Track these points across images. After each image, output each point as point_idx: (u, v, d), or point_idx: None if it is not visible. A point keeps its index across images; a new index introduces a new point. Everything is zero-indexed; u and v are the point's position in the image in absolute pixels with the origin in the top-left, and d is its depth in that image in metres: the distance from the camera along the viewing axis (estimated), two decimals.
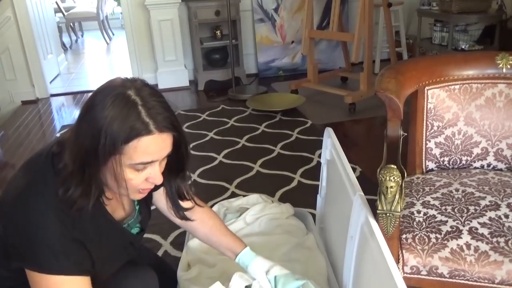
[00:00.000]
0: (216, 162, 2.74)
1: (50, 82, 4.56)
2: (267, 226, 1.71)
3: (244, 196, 1.96)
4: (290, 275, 1.26)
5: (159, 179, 0.98)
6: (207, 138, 3.10)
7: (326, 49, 4.54)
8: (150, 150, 0.91)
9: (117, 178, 0.92)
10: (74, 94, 4.42)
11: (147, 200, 1.22)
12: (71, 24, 7.11)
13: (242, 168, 2.64)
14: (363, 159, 2.63)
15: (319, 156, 2.70)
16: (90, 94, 0.95)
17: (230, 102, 3.85)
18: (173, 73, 4.30)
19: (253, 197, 1.86)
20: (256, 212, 1.76)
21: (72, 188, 0.91)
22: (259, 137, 3.09)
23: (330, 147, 1.65)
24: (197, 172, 2.60)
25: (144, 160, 0.92)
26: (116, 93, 0.90)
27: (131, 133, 0.88)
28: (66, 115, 3.93)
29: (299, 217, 1.81)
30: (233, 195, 2.30)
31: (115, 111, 0.88)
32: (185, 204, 1.20)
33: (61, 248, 0.93)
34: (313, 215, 1.86)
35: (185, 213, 1.21)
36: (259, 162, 2.69)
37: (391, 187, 1.07)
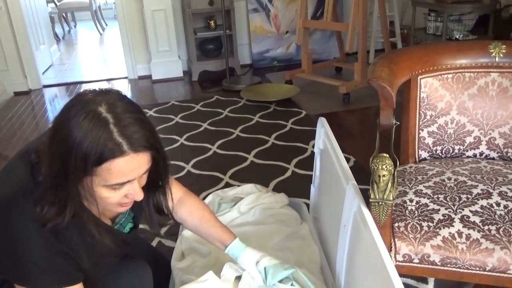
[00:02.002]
0: (210, 153, 2.73)
1: (43, 73, 4.52)
2: (261, 215, 1.72)
3: (238, 186, 1.96)
4: (279, 265, 1.26)
5: (139, 196, 0.93)
6: (201, 129, 3.10)
7: (321, 39, 4.53)
8: (125, 170, 0.86)
9: (94, 197, 0.89)
10: (67, 85, 4.39)
11: None
12: (64, 14, 7.04)
13: (236, 158, 2.63)
14: (357, 149, 2.64)
15: (313, 146, 2.69)
16: (68, 102, 0.88)
17: (224, 93, 3.84)
18: (166, 63, 4.28)
19: (248, 186, 1.86)
20: (250, 201, 1.76)
21: (46, 207, 0.88)
22: (253, 127, 3.08)
23: (324, 136, 1.65)
24: (191, 162, 2.60)
25: (119, 181, 0.87)
26: (87, 110, 0.83)
27: (102, 155, 0.82)
28: (59, 106, 3.90)
29: (293, 206, 1.82)
30: (227, 185, 2.30)
31: (85, 130, 0.81)
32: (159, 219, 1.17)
33: (47, 262, 0.92)
34: (307, 205, 1.86)
35: (165, 220, 1.19)
36: (253, 152, 2.69)
37: (384, 175, 1.07)
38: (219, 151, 2.75)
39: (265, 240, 1.59)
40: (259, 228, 1.66)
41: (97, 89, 0.90)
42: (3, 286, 1.09)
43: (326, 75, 3.83)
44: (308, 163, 2.48)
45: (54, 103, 3.97)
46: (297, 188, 2.21)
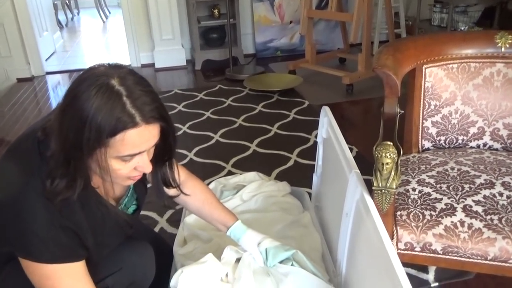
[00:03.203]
0: (212, 141, 2.73)
1: (46, 60, 4.51)
2: (263, 203, 1.72)
3: (241, 174, 1.96)
4: (280, 246, 1.28)
5: (148, 168, 0.96)
6: (203, 118, 3.09)
7: (325, 30, 4.51)
8: (137, 142, 0.89)
9: (103, 170, 0.90)
10: (70, 72, 4.38)
11: (142, 177, 1.21)
12: (67, 1, 7.00)
13: (239, 147, 2.64)
14: (360, 140, 2.63)
15: (316, 136, 2.69)
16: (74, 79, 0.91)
17: (227, 82, 3.83)
18: (170, 52, 4.26)
19: (250, 174, 1.86)
20: (252, 189, 1.76)
21: (57, 180, 0.90)
22: (256, 117, 3.08)
23: (327, 125, 1.65)
24: (194, 150, 2.60)
25: (131, 152, 0.90)
26: (99, 83, 0.85)
27: (116, 126, 0.85)
28: (62, 93, 3.89)
29: (295, 195, 1.82)
30: (229, 173, 2.31)
31: (99, 103, 0.84)
32: (171, 191, 1.20)
33: (51, 237, 0.92)
34: (309, 194, 1.87)
35: (175, 193, 1.20)
36: (256, 141, 2.69)
37: (387, 163, 1.07)
38: (221, 139, 2.75)
39: (267, 227, 1.60)
40: (261, 215, 1.66)
41: (106, 63, 0.91)
42: (7, 265, 1.10)
43: (330, 66, 3.81)
44: (310, 152, 2.48)
45: (57, 90, 3.97)
46: (299, 177, 2.21)
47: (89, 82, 0.86)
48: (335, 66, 4.01)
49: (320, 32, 4.46)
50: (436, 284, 1.55)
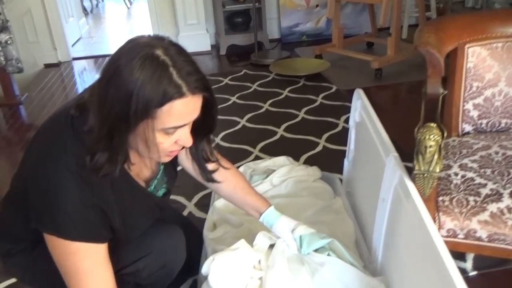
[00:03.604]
0: (239, 126, 2.70)
1: (72, 46, 4.54)
2: (294, 188, 1.69)
3: (270, 159, 1.93)
4: (315, 234, 1.24)
5: (189, 142, 0.94)
6: (229, 102, 3.06)
7: (352, 13, 4.40)
8: (183, 113, 0.87)
9: (148, 143, 0.89)
10: (95, 57, 4.40)
11: (172, 160, 1.19)
12: None
13: (266, 132, 2.60)
14: (389, 125, 2.51)
15: (345, 121, 2.64)
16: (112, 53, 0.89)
17: (253, 67, 3.78)
18: (194, 37, 4.23)
19: (280, 159, 1.83)
20: (282, 174, 1.73)
21: (98, 155, 0.88)
22: (283, 102, 3.03)
23: (360, 108, 1.60)
24: (220, 135, 2.58)
25: (176, 124, 0.88)
26: (143, 54, 0.83)
27: (164, 97, 0.83)
28: (88, 78, 3.92)
29: (326, 180, 1.78)
30: (257, 158, 2.27)
31: (146, 74, 0.82)
32: (210, 166, 1.17)
33: (80, 215, 0.91)
34: (340, 180, 1.82)
35: (214, 167, 1.18)
36: (283, 126, 2.65)
37: (430, 146, 1.02)
38: (248, 124, 2.72)
39: (298, 213, 1.56)
40: (292, 200, 1.63)
41: (147, 35, 0.90)
42: (35, 249, 1.10)
43: (357, 50, 3.72)
44: (339, 138, 2.43)
45: (83, 76, 3.99)
46: (328, 163, 2.16)
47: (133, 54, 0.84)
48: (363, 50, 3.91)
49: (347, 16, 4.36)
50: (475, 273, 1.50)
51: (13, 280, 1.57)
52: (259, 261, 1.23)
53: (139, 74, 0.82)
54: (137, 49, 0.84)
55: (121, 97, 0.83)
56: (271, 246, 1.27)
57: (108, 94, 0.85)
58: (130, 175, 1.02)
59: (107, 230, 0.98)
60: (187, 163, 1.22)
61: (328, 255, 1.21)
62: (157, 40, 0.87)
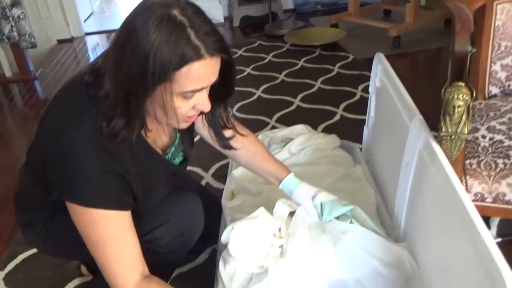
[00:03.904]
0: (255, 97, 2.66)
1: (84, 21, 4.51)
2: (312, 156, 1.65)
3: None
4: (336, 201, 1.21)
5: (207, 106, 0.91)
6: (244, 74, 3.01)
7: None
8: (202, 76, 0.84)
9: (166, 107, 0.86)
10: (108, 32, 4.36)
11: (189, 128, 1.16)
12: None
13: (282, 102, 2.55)
14: (408, 94, 2.49)
15: (363, 90, 2.59)
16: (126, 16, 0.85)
17: (267, 38, 3.71)
18: (207, 8, 3.99)
19: (298, 127, 1.79)
20: (300, 142, 1.70)
21: (115, 119, 0.85)
22: (299, 72, 2.97)
23: (381, 73, 1.55)
24: (236, 106, 2.54)
25: (195, 88, 0.85)
26: (159, 14, 0.79)
27: (182, 59, 0.80)
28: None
29: (345, 149, 1.74)
30: (273, 129, 2.24)
31: (163, 35, 0.78)
32: (227, 133, 1.15)
33: (100, 181, 0.89)
34: (359, 149, 1.78)
35: (231, 134, 1.15)
36: (299, 96, 2.60)
37: (459, 106, 0.97)
38: (264, 95, 2.68)
39: (317, 181, 1.52)
40: (311, 169, 1.60)
41: None
42: (55, 218, 1.09)
43: (374, 18, 3.62)
44: (357, 107, 2.38)
45: (96, 51, 3.97)
46: (346, 132, 2.11)
47: (149, 14, 0.80)
48: (380, 18, 3.81)
49: None
50: (499, 239, 1.46)
51: (33, 250, 1.58)
52: (279, 229, 1.21)
53: (155, 36, 0.78)
54: (153, 9, 0.81)
55: (137, 60, 0.80)
56: (291, 213, 1.24)
57: (124, 57, 0.81)
58: (147, 142, 1.00)
59: (129, 196, 0.97)
60: (203, 130, 1.19)
61: (351, 222, 1.18)
62: (173, 0, 0.83)
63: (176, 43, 0.79)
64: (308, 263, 1.12)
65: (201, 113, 1.01)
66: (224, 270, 1.11)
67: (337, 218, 1.21)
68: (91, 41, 4.18)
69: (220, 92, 0.97)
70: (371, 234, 1.17)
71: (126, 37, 0.81)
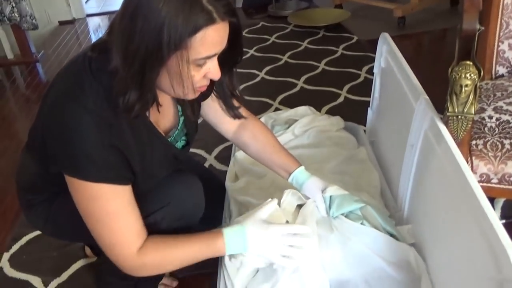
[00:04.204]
0: (258, 79, 2.64)
1: (86, 2, 4.47)
2: (316, 138, 1.64)
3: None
4: (347, 196, 1.16)
5: (218, 74, 0.90)
6: (247, 55, 2.98)
7: None
8: (215, 41, 0.84)
9: (182, 76, 0.85)
10: (109, 14, 4.32)
11: (193, 111, 1.15)
12: None
13: (285, 84, 2.53)
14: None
15: (367, 71, 2.56)
16: None
17: (270, 19, 3.67)
18: None
19: (302, 109, 1.78)
20: (304, 124, 1.68)
21: (128, 93, 0.84)
22: (302, 53, 2.94)
23: (386, 54, 1.52)
24: (239, 88, 2.52)
25: (209, 53, 0.85)
26: None
27: (197, 24, 0.79)
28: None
29: (349, 130, 1.73)
30: (277, 111, 2.22)
31: (175, 2, 0.78)
32: (235, 102, 1.15)
33: (99, 155, 0.88)
34: (363, 130, 1.77)
35: (237, 118, 1.15)
36: (303, 78, 2.58)
37: (466, 85, 0.95)
38: (267, 77, 2.65)
39: (321, 163, 1.52)
40: (315, 151, 1.59)
41: None
42: (56, 199, 1.09)
43: None
44: (361, 88, 2.36)
45: (98, 33, 3.93)
46: (350, 114, 2.09)
47: None
48: None
49: None
50: (503, 221, 1.45)
51: (38, 232, 1.59)
52: (286, 221, 1.14)
53: (168, 3, 0.78)
54: None
55: (151, 29, 0.79)
56: (299, 206, 1.18)
57: (135, 28, 0.80)
58: (149, 120, 0.99)
59: (129, 172, 0.96)
60: (210, 110, 1.19)
61: (362, 223, 1.12)
62: None
63: (190, 9, 0.78)
64: (315, 261, 1.09)
65: (205, 96, 1.00)
66: (230, 262, 1.09)
67: (347, 216, 1.15)
68: (92, 22, 4.15)
69: (228, 60, 0.96)
70: (380, 235, 1.12)
71: (136, 7, 0.80)
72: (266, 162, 1.25)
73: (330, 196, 1.15)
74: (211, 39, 0.82)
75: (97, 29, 4.02)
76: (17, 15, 3.06)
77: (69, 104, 0.87)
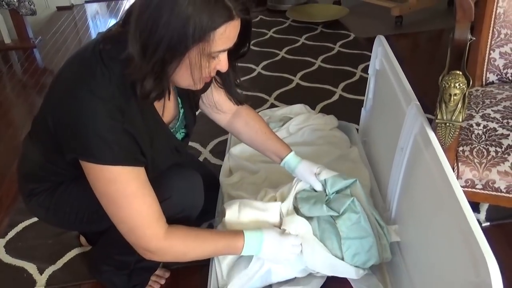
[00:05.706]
0: (254, 73, 2.66)
1: None
2: (310, 136, 1.68)
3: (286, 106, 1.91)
4: (338, 175, 1.26)
5: (227, 66, 0.95)
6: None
7: None
8: (232, 36, 0.89)
9: (201, 67, 0.89)
10: (108, 1, 4.30)
11: (192, 104, 1.19)
12: None
13: (282, 80, 2.56)
14: (408, 75, 2.49)
15: (362, 70, 2.59)
16: None
17: (269, 13, 3.68)
18: None
19: (297, 107, 1.81)
20: (299, 122, 1.72)
21: (145, 80, 0.88)
22: (299, 49, 2.96)
23: (381, 56, 1.55)
24: (240, 78, 2.54)
25: (225, 47, 0.90)
26: None
27: (220, 19, 0.84)
28: (100, 23, 3.85)
29: (342, 129, 1.77)
30: (272, 106, 2.25)
31: None
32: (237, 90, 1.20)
33: (113, 138, 0.91)
34: (356, 129, 1.80)
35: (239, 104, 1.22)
36: (299, 74, 2.61)
37: (455, 94, 0.99)
38: (264, 72, 2.68)
39: (314, 160, 1.54)
40: (308, 149, 1.62)
41: None
42: (58, 188, 1.12)
43: None
44: (356, 87, 2.39)
45: (96, 20, 3.93)
46: (344, 112, 2.13)
47: None
48: None
49: None
50: (487, 223, 1.50)
51: (34, 219, 1.62)
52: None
53: None
54: None
55: (177, 21, 0.82)
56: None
57: (160, 18, 0.83)
58: (156, 111, 1.02)
59: (141, 155, 0.98)
60: (208, 99, 1.22)
61: (352, 201, 1.20)
62: None
63: (215, 4, 0.83)
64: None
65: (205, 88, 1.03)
66: None
67: (338, 192, 1.25)
68: (90, 9, 4.14)
69: (235, 53, 1.00)
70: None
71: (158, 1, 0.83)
72: (258, 147, 1.33)
73: (325, 179, 1.25)
74: (229, 34, 0.87)
75: (95, 15, 4.01)
76: (15, 0, 3.05)
77: (81, 91, 0.89)
